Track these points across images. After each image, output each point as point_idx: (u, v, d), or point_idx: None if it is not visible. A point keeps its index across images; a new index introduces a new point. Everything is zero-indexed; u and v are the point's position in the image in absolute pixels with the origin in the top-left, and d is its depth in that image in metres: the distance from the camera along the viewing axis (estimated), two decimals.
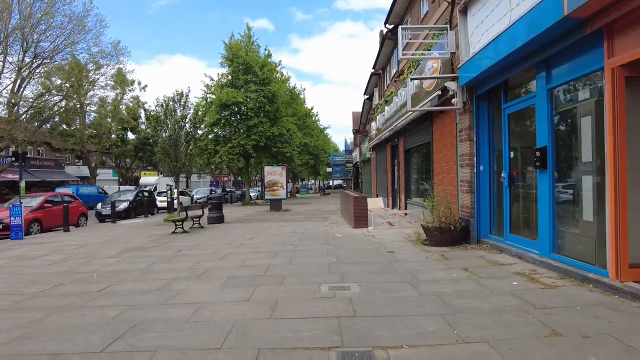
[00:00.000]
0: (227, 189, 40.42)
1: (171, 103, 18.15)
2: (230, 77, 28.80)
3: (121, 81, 35.12)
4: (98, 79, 34.87)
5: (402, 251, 8.31)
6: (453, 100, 9.10)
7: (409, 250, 8.45)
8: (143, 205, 21.53)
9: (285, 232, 12.25)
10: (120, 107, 38.83)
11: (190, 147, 19.15)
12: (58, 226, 15.59)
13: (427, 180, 12.57)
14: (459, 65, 8.51)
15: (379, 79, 29.66)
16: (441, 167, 10.50)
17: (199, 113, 18.71)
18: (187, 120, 18.20)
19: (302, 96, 41.14)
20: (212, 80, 29.31)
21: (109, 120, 37.98)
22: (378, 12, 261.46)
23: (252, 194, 37.05)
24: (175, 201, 26.07)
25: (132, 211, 21.35)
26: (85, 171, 42.45)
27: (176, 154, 17.94)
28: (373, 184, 22.97)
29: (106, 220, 19.07)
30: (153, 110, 18.53)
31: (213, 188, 36.30)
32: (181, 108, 18.14)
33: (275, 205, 22.01)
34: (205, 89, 28.64)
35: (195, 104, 18.36)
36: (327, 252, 8.53)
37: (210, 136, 28.68)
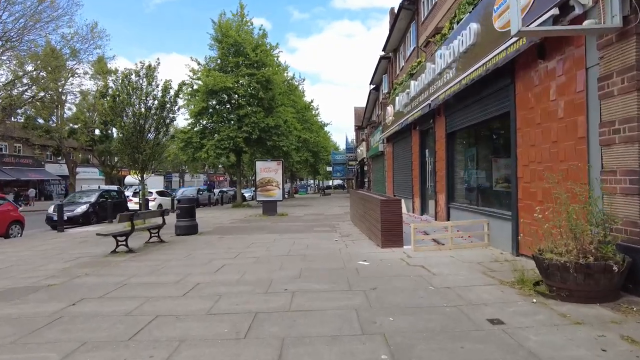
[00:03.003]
0: (221, 189, 35.84)
1: (134, 77, 13.70)
2: (219, 60, 24.33)
3: (102, 70, 30.55)
4: (76, 67, 30.48)
5: (514, 318, 3.87)
6: (586, 22, 4.69)
7: (524, 313, 4.00)
8: (107, 209, 17.00)
9: (276, 255, 7.78)
10: (104, 98, 34.24)
11: (161, 134, 14.66)
12: None
13: (496, 175, 8.13)
14: None
15: (389, 64, 25.26)
16: (537, 150, 6.08)
17: (179, 95, 14.24)
18: (154, 98, 13.72)
19: (300, 88, 36.66)
20: (200, 64, 24.83)
21: (89, 113, 33.34)
22: (375, 11, 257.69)
23: (246, 195, 32.58)
24: (153, 203, 21.77)
25: (93, 216, 16.84)
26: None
27: (139, 143, 13.48)
28: (388, 182, 18.47)
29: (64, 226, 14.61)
30: (110, 87, 14.10)
31: (200, 187, 31.77)
32: (147, 85, 13.67)
33: (269, 208, 17.55)
34: (190, 73, 24.11)
35: (164, 80, 13.88)
36: (356, 316, 4.07)
37: (196, 128, 24.18)
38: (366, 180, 33.93)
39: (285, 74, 31.95)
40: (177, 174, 56.67)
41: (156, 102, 13.76)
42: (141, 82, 13.74)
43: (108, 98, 13.69)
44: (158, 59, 14.21)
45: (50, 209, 15.95)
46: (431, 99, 10.10)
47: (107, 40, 61.32)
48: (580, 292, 4.14)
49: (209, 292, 5.15)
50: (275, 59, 25.88)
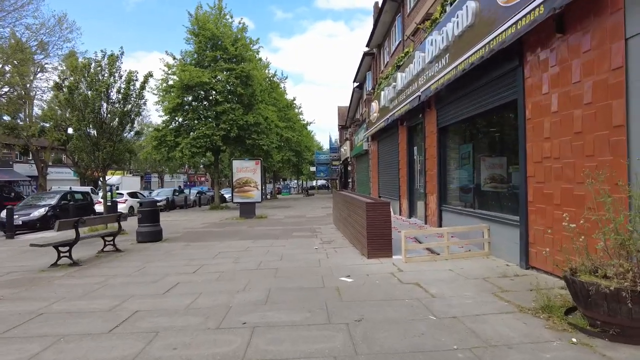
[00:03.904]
0: (199, 190, 34.15)
1: (93, 67, 12.24)
2: (195, 54, 22.88)
3: (73, 65, 28.63)
4: (46, 62, 28.54)
5: None
6: None
7: None
8: (69, 212, 15.40)
9: (244, 269, 6.55)
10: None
11: (126, 130, 13.22)
12: None
13: (497, 174, 7.09)
14: None
15: (373, 60, 24.22)
16: (554, 144, 5.01)
17: (145, 88, 12.78)
18: (117, 91, 12.27)
19: (282, 86, 35.26)
20: (175, 59, 23.31)
21: (60, 111, 31.27)
22: (359, 11, 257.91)
23: (227, 195, 31.02)
24: (124, 205, 20.14)
25: (54, 220, 15.19)
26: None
27: (99, 139, 12.03)
28: (373, 183, 17.36)
29: (17, 232, 13.05)
30: (66, 77, 12.59)
31: (177, 188, 30.10)
32: (109, 75, 12.21)
33: (247, 210, 16.24)
34: (165, 68, 22.56)
35: (128, 71, 12.44)
36: None
37: (171, 126, 22.64)
38: (350, 180, 32.84)
39: (267, 71, 30.64)
40: (157, 174, 54.59)
41: (119, 94, 12.31)
42: (102, 72, 12.28)
43: (65, 90, 12.19)
44: (121, 47, 12.78)
45: (3, 213, 14.31)
46: (421, 89, 9.01)
47: (78, 34, 58.08)
48: (629, 328, 3.06)
49: (144, 327, 3.89)
50: (256, 54, 24.54)
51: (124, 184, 34.36)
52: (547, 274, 5.17)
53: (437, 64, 8.44)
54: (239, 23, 23.82)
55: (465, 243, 6.96)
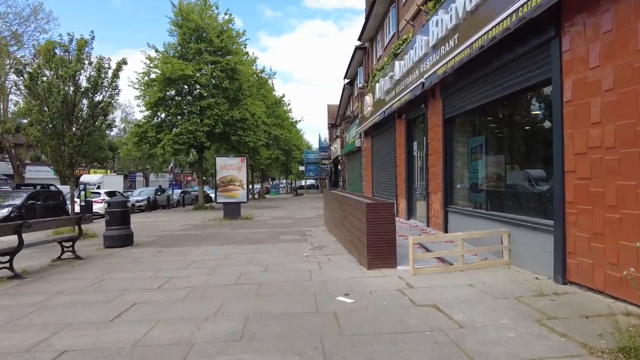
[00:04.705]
0: (183, 190, 32.57)
1: (59, 52, 10.91)
2: (179, 47, 21.54)
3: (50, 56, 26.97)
4: (21, 55, 26.78)
5: None
6: None
7: None
8: (37, 213, 13.97)
9: (219, 285, 5.37)
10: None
11: (99, 123, 11.89)
12: None
13: (520, 169, 6.05)
14: None
15: (365, 55, 23.12)
16: (605, 130, 3.96)
17: (118, 75, 11.47)
18: (87, 79, 10.95)
19: (271, 82, 33.97)
20: (157, 51, 21.90)
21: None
22: (348, 11, 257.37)
23: (213, 195, 29.58)
24: (100, 206, 18.67)
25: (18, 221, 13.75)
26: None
27: (64, 132, 10.70)
28: (366, 182, 16.25)
29: None
30: (28, 63, 11.22)
31: (159, 187, 28.56)
32: (76, 61, 10.89)
33: (231, 211, 15.01)
34: (147, 61, 21.13)
35: (99, 57, 11.14)
36: None
37: (153, 121, 21.23)
38: (341, 179, 31.74)
39: (254, 67, 29.35)
40: (141, 173, 52.73)
41: (89, 83, 10.99)
42: (69, 58, 10.95)
43: (25, 76, 10.82)
44: (92, 31, 11.48)
45: None
46: (425, 76, 7.92)
47: (55, 24, 54.17)
48: None
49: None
50: (242, 47, 23.23)
51: (105, 183, 32.63)
52: (594, 292, 4.13)
53: (443, 47, 7.38)
54: (225, 14, 22.55)
55: (480, 250, 5.90)
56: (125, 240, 9.06)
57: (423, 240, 6.19)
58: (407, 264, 5.60)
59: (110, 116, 47.80)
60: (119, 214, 9.10)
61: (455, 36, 6.83)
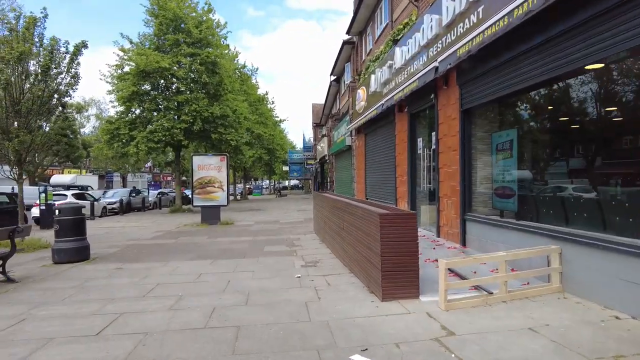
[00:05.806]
0: (160, 191, 30.43)
1: (1, 31, 9.18)
2: (155, 38, 19.76)
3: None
4: None
5: None
6: None
7: None
8: None
9: (184, 328, 3.88)
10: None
11: (55, 118, 10.17)
12: None
13: (561, 170, 4.76)
14: None
15: (353, 49, 21.79)
16: None
17: (76, 60, 9.78)
18: (35, 62, 9.24)
19: (254, 78, 32.32)
20: (132, 43, 20.04)
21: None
22: (331, 12, 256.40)
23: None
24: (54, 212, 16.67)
25: None
26: None
27: (8, 125, 8.96)
28: (358, 183, 14.85)
29: None
30: None
31: (132, 189, 26.46)
32: (23, 42, 9.15)
33: (210, 215, 13.40)
34: (120, 52, 19.21)
35: (52, 37, 9.46)
36: None
37: (126, 118, 19.36)
38: (328, 180, 30.33)
39: (236, 62, 27.66)
40: (118, 173, 50.13)
41: (38, 68, 9.28)
42: (15, 38, 9.21)
43: None
44: (44, 8, 9.75)
45: None
46: (439, 59, 6.58)
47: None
48: None
49: None
50: (223, 40, 21.56)
51: (79, 183, 30.47)
52: None
53: (461, 24, 6.08)
54: (206, 4, 20.81)
55: (522, 275, 4.57)
56: (79, 253, 7.43)
57: (457, 264, 4.78)
58: (431, 291, 4.26)
59: (86, 113, 45.28)
60: (72, 223, 7.45)
61: (481, 8, 5.53)
